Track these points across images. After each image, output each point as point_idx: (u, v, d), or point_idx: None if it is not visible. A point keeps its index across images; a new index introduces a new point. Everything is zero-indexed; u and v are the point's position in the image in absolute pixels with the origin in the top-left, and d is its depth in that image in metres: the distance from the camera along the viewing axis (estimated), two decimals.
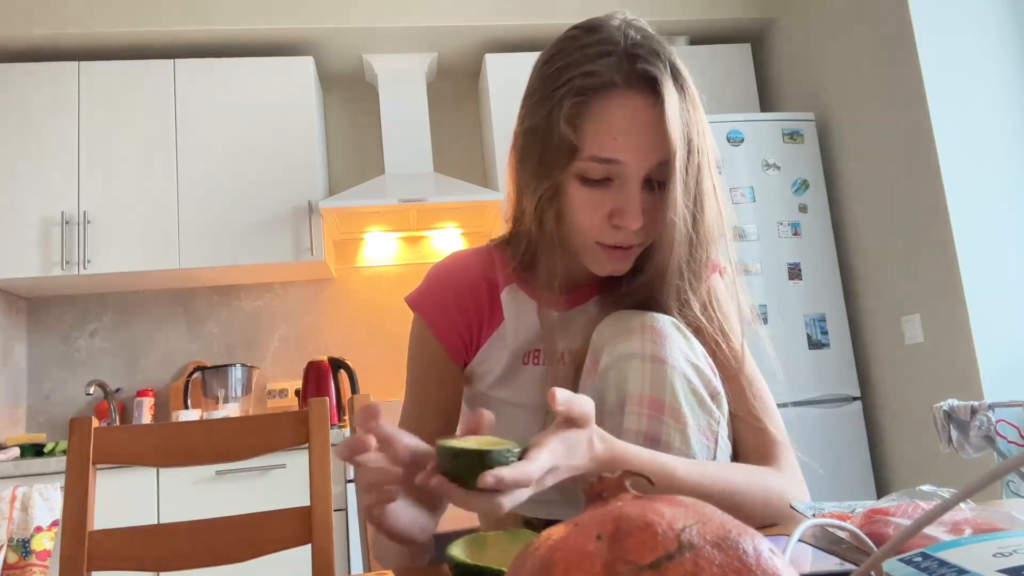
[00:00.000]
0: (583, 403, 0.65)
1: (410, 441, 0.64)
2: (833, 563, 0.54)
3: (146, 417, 2.76)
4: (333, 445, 2.43)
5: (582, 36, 0.76)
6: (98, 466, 1.07)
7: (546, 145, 0.75)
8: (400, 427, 0.90)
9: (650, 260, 0.80)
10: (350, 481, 2.31)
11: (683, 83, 0.76)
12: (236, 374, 2.78)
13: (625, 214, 0.74)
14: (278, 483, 2.31)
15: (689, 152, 0.75)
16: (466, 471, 0.57)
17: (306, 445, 1.15)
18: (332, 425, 2.67)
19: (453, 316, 0.89)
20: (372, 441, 0.61)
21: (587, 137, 0.73)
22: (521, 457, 0.59)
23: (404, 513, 0.65)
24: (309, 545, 1.09)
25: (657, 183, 0.76)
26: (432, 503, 0.70)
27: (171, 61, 2.81)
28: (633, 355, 0.75)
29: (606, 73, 0.73)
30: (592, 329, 0.82)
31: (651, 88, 0.73)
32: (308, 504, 1.12)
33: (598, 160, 0.73)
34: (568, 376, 0.86)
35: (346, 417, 2.75)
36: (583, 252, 0.80)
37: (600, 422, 0.73)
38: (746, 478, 0.76)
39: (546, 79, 0.77)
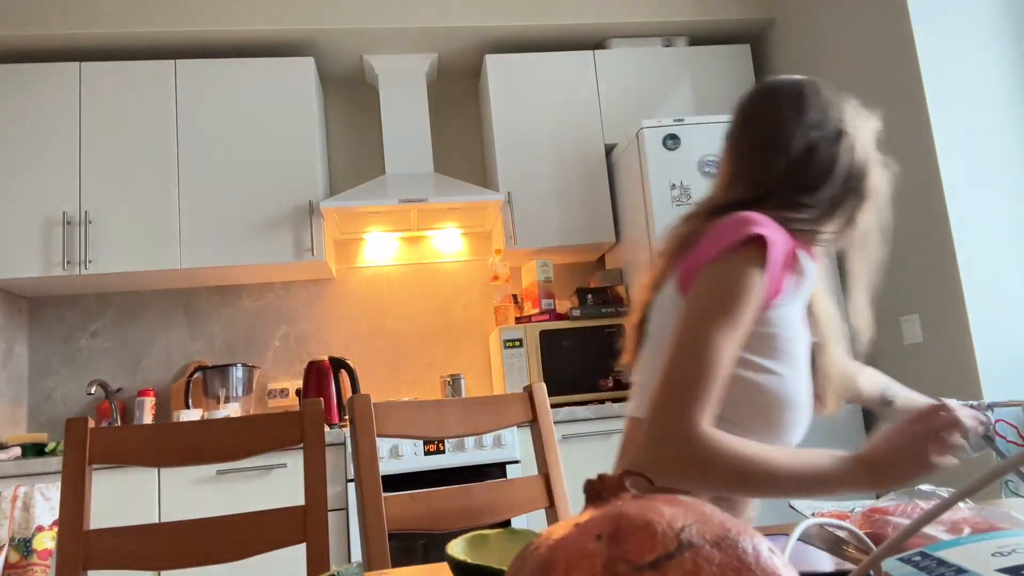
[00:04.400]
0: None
1: None
2: (832, 562, 0.54)
3: (147, 417, 2.76)
4: (329, 445, 2.44)
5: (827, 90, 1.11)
6: (100, 466, 1.07)
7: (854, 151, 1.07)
8: (708, 379, 0.87)
9: None
10: (350, 480, 2.31)
11: None
12: (237, 374, 2.78)
13: None
14: (279, 483, 2.31)
15: None
16: None
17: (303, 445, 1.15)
18: (332, 424, 2.67)
19: (781, 258, 0.96)
20: None
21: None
22: None
23: None
24: (304, 544, 1.10)
25: None
26: None
27: (172, 61, 2.81)
28: None
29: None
30: None
31: None
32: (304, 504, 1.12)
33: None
34: None
35: (346, 416, 2.75)
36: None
37: None
38: None
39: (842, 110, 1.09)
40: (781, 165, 1.04)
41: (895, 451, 0.84)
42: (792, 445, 1.02)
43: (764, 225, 0.94)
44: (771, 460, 0.83)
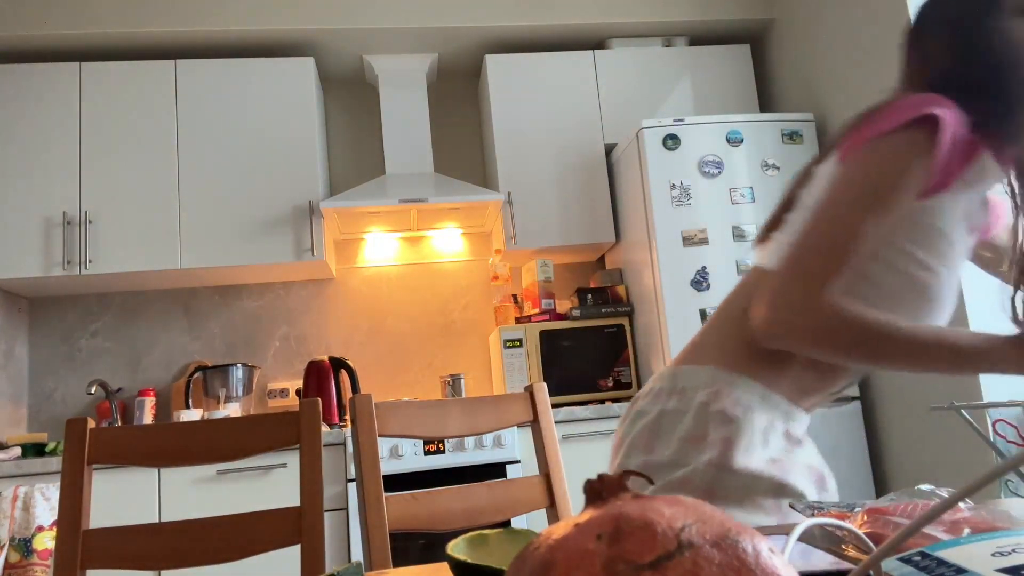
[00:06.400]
0: None
1: None
2: (832, 562, 0.54)
3: (147, 417, 2.76)
4: (329, 445, 2.44)
5: None
6: (100, 466, 1.08)
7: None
8: (841, 259, 0.86)
9: None
10: (351, 480, 2.31)
11: None
12: (237, 374, 2.78)
13: None
14: (279, 483, 2.31)
15: None
16: None
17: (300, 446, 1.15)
18: (333, 425, 2.67)
19: (952, 144, 0.87)
20: None
21: None
22: None
23: None
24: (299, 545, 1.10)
25: None
26: None
27: (172, 61, 2.82)
28: None
29: None
30: None
31: None
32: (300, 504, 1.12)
33: None
34: None
35: (347, 417, 2.75)
36: None
37: None
38: None
39: None
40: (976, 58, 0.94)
41: None
42: None
43: (945, 107, 0.86)
44: (897, 323, 0.84)
